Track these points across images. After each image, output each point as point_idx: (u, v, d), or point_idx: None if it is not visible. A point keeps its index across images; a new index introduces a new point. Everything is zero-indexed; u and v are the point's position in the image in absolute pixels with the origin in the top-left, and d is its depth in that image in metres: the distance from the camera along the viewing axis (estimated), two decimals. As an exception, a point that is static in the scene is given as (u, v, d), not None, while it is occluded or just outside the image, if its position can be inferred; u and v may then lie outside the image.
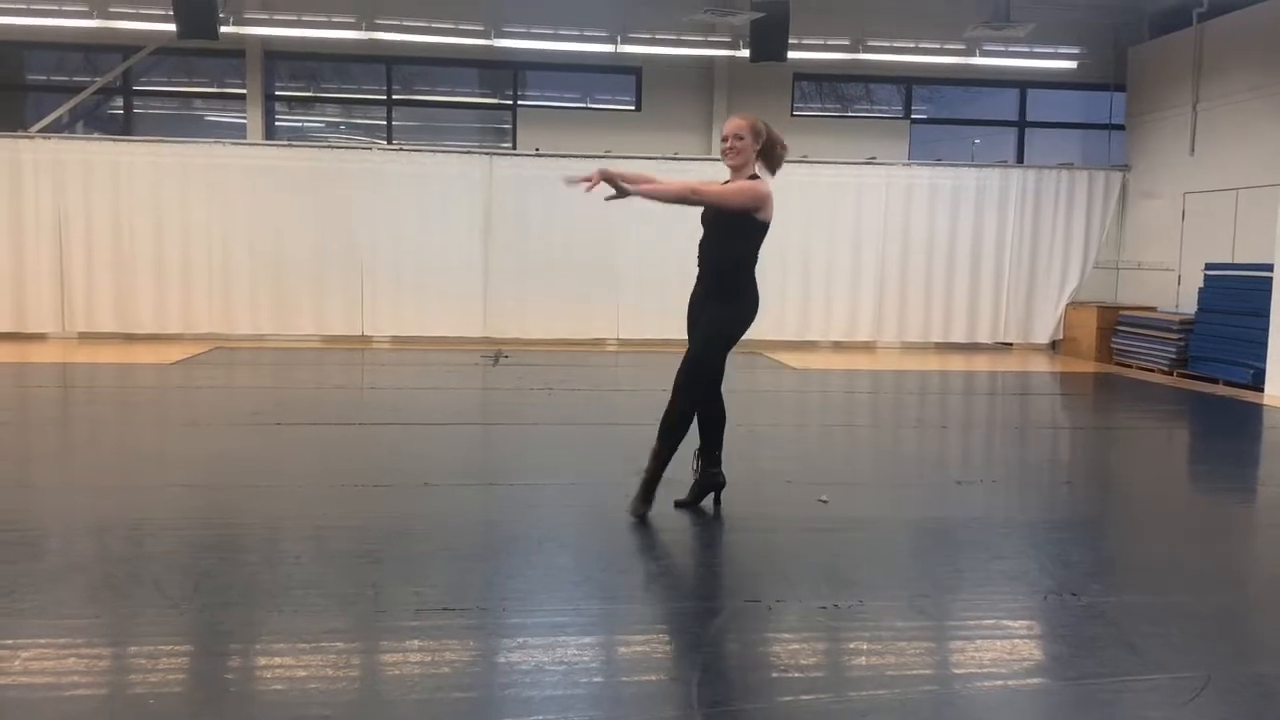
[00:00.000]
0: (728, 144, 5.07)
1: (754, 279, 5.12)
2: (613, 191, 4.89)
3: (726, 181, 5.15)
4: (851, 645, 3.60)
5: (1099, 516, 5.66)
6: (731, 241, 5.06)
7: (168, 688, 3.16)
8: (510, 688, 3.16)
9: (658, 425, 5.08)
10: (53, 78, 14.22)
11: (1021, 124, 14.98)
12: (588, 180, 4.87)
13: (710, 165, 13.69)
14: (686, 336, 5.25)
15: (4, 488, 5.61)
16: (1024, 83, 14.65)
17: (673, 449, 5.06)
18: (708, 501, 5.32)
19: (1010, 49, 13.26)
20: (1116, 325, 13.08)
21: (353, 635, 3.57)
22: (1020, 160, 14.72)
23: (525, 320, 13.37)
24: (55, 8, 12.04)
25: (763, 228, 5.04)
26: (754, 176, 5.07)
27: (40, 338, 12.80)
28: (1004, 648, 3.58)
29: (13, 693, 3.09)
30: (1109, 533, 5.30)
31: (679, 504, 5.22)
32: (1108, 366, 12.79)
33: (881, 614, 3.85)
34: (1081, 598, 4.05)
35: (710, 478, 5.27)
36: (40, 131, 12.94)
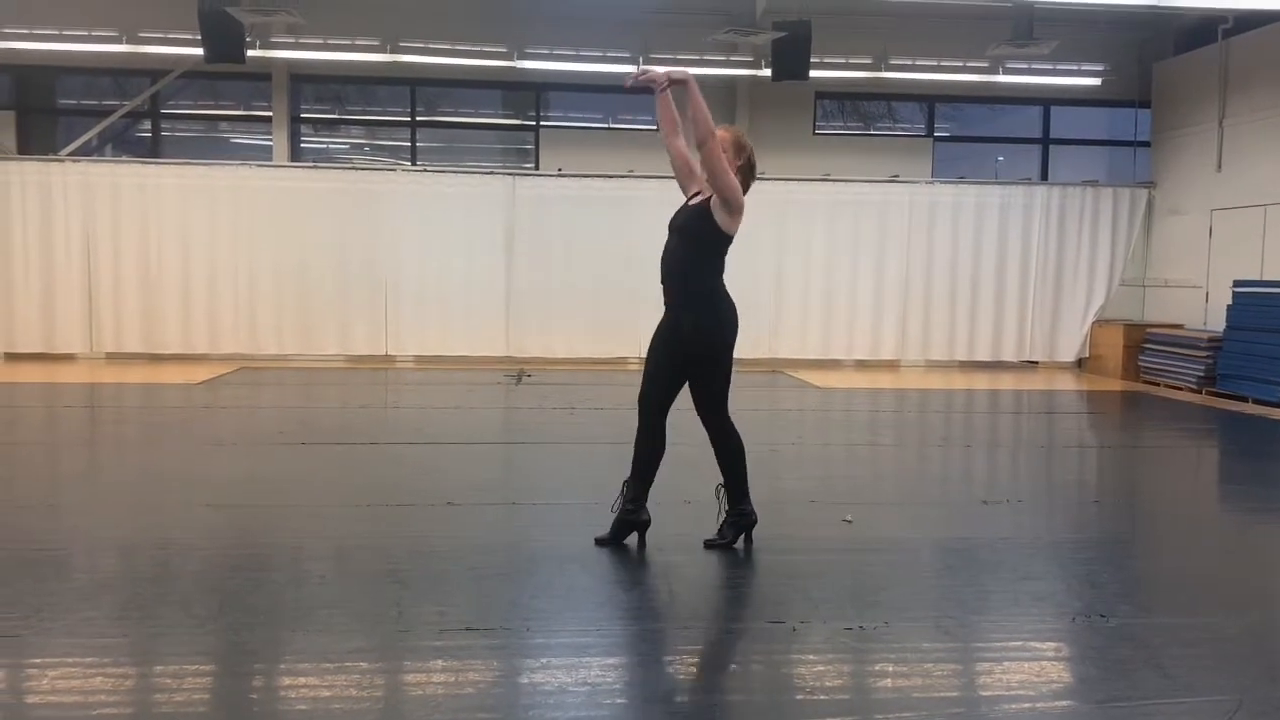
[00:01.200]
0: None
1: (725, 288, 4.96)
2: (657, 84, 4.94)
3: (696, 193, 5.02)
4: (877, 667, 3.57)
5: (1128, 536, 5.60)
6: (702, 253, 4.90)
7: (193, 707, 3.18)
8: (534, 709, 3.15)
9: (720, 465, 4.95)
10: (83, 102, 14.44)
11: (1045, 141, 14.93)
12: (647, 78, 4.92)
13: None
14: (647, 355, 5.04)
15: (33, 508, 5.66)
16: (1048, 100, 14.61)
17: (744, 471, 4.97)
18: (714, 524, 5.28)
19: (1034, 66, 13.24)
20: (1144, 343, 12.97)
21: (377, 655, 3.57)
22: (1044, 178, 14.65)
23: (548, 340, 13.40)
24: (86, 33, 12.25)
25: (728, 240, 4.91)
26: None
27: (69, 358, 12.94)
28: (1032, 670, 3.54)
29: (41, 711, 3.11)
30: (1138, 553, 5.24)
31: (598, 541, 4.91)
32: (1135, 385, 12.67)
33: (907, 635, 3.82)
34: (1110, 619, 4.00)
35: (630, 514, 4.92)
36: (70, 155, 13.14)
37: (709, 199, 4.84)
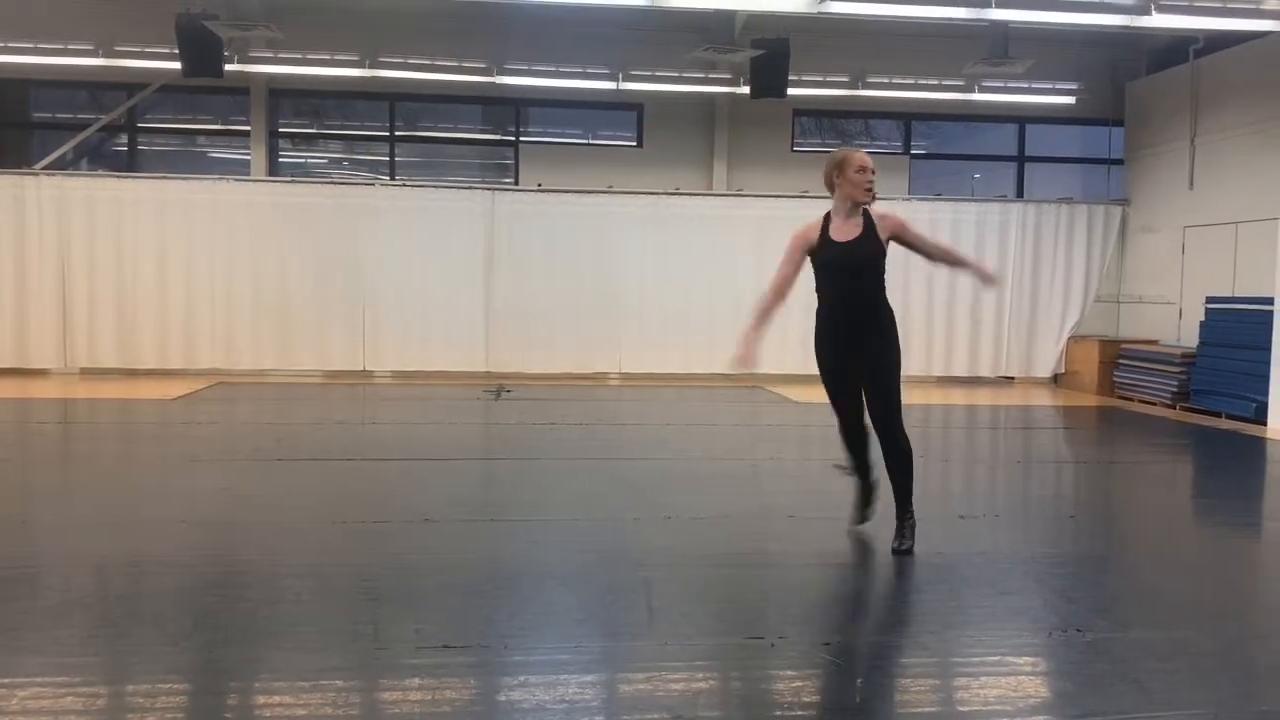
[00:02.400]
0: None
1: (821, 308, 5.55)
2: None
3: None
4: (855, 682, 3.57)
5: (1103, 551, 5.63)
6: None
7: (166, 727, 3.13)
8: (511, 726, 3.13)
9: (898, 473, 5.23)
10: (58, 115, 14.35)
11: (1021, 159, 15.08)
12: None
13: (709, 200, 13.78)
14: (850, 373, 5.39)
15: (6, 525, 5.58)
16: (1023, 118, 14.76)
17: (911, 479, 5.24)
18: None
19: (1009, 85, 13.37)
20: (1118, 359, 13.08)
21: (352, 673, 3.54)
22: (1020, 195, 14.79)
23: (527, 355, 13.37)
24: (61, 46, 12.17)
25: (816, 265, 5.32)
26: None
27: (42, 373, 12.81)
28: (1009, 684, 3.55)
29: (10, 732, 3.06)
30: (1114, 568, 5.27)
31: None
32: (1110, 400, 12.77)
33: (885, 650, 3.82)
34: (1087, 634, 4.02)
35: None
36: (45, 168, 13.03)
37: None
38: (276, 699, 3.32)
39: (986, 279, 5.65)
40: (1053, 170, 15.48)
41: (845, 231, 5.30)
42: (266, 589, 4.52)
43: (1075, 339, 14.07)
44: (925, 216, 13.89)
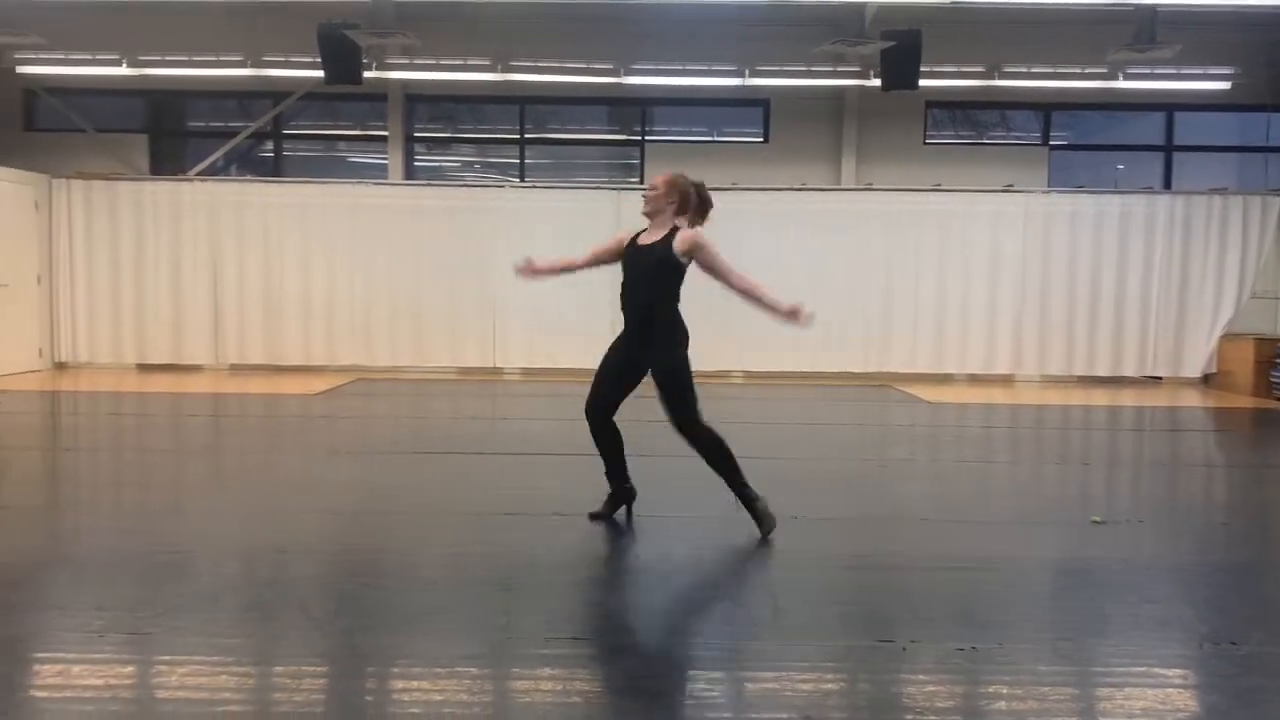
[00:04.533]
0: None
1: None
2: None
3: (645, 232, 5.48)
4: (990, 689, 3.47)
5: (1259, 560, 5.33)
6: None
7: (311, 707, 3.28)
8: (639, 719, 3.16)
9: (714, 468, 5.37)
10: (210, 124, 15.10)
11: (1169, 148, 14.38)
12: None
13: (836, 195, 13.60)
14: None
15: (162, 513, 5.93)
16: (1171, 105, 14.07)
17: (733, 466, 5.32)
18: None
19: (1156, 71, 12.74)
20: (1276, 358, 12.34)
21: (486, 661, 3.63)
22: (1168, 186, 14.11)
23: (653, 352, 13.40)
24: (214, 58, 12.82)
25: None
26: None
27: (196, 369, 13.52)
28: (1155, 696, 3.40)
29: (170, 706, 3.25)
30: (1270, 578, 4.98)
31: (594, 516, 5.56)
32: (1266, 402, 12.07)
33: (1022, 657, 3.71)
34: (1241, 646, 3.81)
35: (625, 493, 5.67)
36: (198, 174, 13.76)
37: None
38: (415, 684, 3.43)
39: (790, 317, 5.39)
40: (1204, 160, 14.69)
41: (645, 239, 5.46)
42: (403, 577, 4.67)
43: (1228, 337, 13.34)
44: (1066, 209, 13.41)
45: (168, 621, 3.94)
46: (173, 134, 14.89)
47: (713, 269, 5.33)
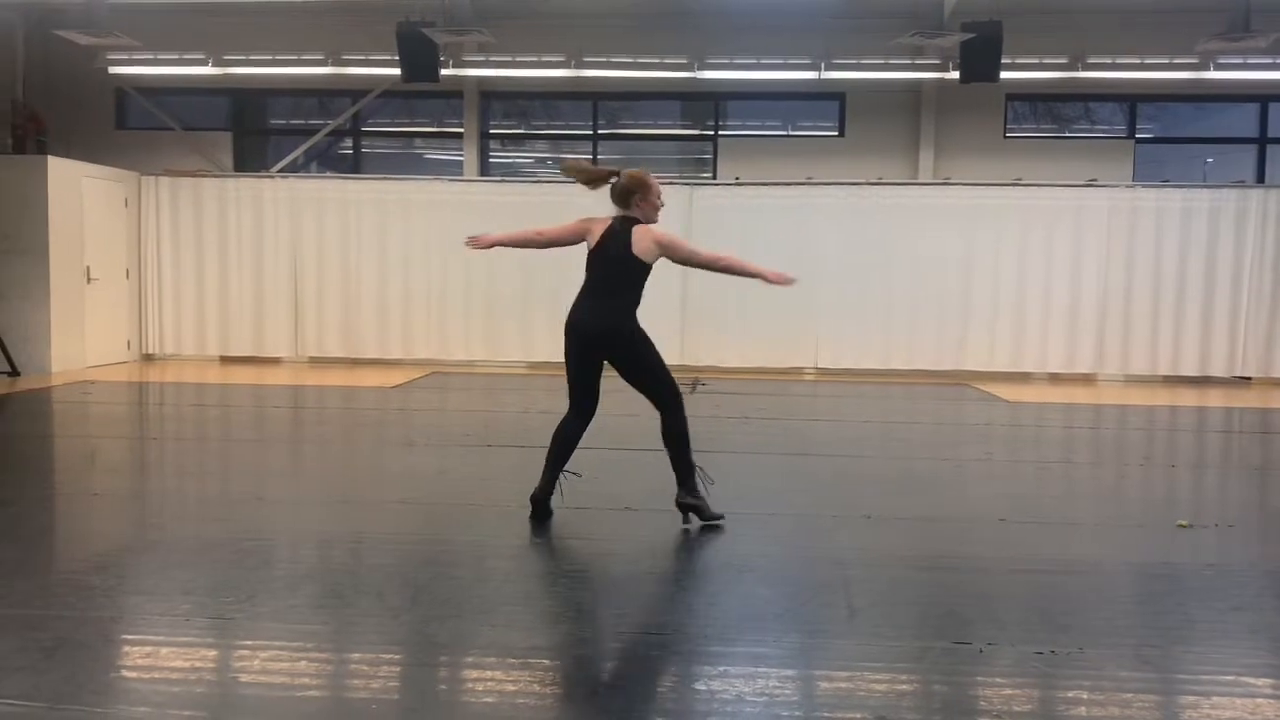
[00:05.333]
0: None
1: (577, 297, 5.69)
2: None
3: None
4: (1070, 694, 3.39)
5: (1356, 568, 5.12)
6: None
7: (387, 694, 3.33)
8: (711, 716, 3.15)
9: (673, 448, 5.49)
10: (291, 121, 15.43)
11: (1262, 140, 13.89)
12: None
13: (913, 189, 13.40)
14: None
15: (246, 500, 6.08)
16: (1265, 96, 13.58)
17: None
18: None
19: (1249, 61, 12.30)
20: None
21: (557, 653, 3.65)
22: (1260, 180, 13.63)
23: (723, 348, 13.40)
24: (295, 57, 13.09)
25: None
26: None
27: (276, 361, 13.84)
28: (1244, 706, 3.29)
29: (253, 690, 3.33)
30: (1369, 587, 4.78)
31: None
32: (1364, 403, 11.60)
33: (1103, 662, 3.61)
34: (1337, 657, 3.67)
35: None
36: (279, 171, 14.07)
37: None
38: (488, 674, 3.47)
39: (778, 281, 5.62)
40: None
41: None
42: (476, 567, 4.72)
43: (1323, 336, 12.84)
44: (1152, 204, 13.03)
45: (250, 607, 4.04)
46: (256, 132, 15.24)
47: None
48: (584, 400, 5.62)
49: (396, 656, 3.65)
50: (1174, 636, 3.92)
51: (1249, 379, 13.21)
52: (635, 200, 5.52)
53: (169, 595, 4.19)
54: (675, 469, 5.43)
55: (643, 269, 5.46)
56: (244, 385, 11.67)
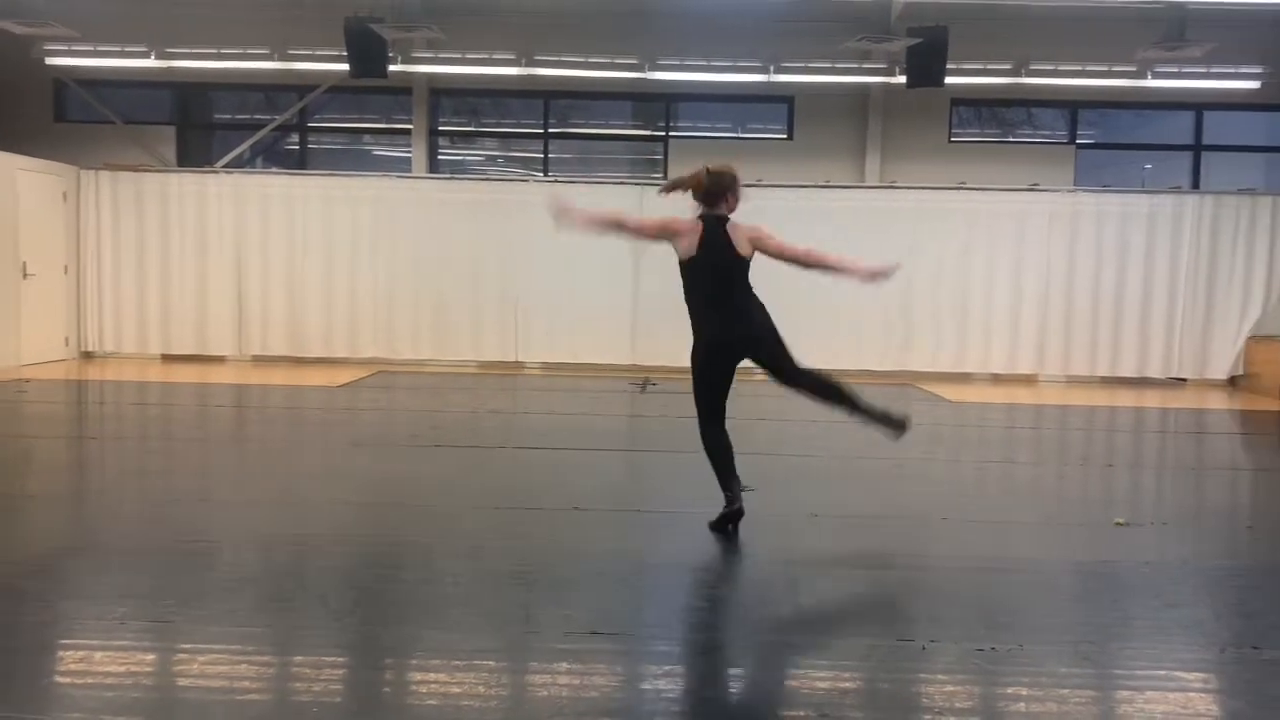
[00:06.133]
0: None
1: (692, 309, 5.47)
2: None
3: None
4: (1010, 690, 3.45)
5: (1285, 565, 5.27)
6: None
7: (329, 697, 3.30)
8: (657, 715, 3.16)
9: (843, 401, 5.43)
10: (236, 116, 15.20)
11: (1198, 148, 14.24)
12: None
13: (860, 193, 13.54)
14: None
15: (188, 501, 5.97)
16: (1201, 105, 13.93)
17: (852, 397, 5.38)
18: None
19: (1185, 70, 12.62)
20: (1304, 360, 12.21)
21: (504, 655, 3.64)
22: (1196, 186, 13.97)
23: (673, 348, 13.33)
24: (240, 51, 12.90)
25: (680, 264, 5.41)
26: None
27: (219, 360, 13.62)
28: (1177, 701, 3.37)
29: (192, 694, 3.27)
30: (1296, 583, 4.92)
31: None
32: (1294, 405, 11.94)
33: (1042, 659, 3.68)
34: (1264, 651, 3.77)
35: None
36: (224, 167, 13.85)
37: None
38: (433, 676, 3.45)
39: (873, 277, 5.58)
40: (1234, 160, 14.56)
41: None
42: (423, 569, 4.69)
43: (1256, 339, 13.19)
44: (1092, 209, 13.30)
45: (189, 610, 3.97)
46: (200, 126, 15.00)
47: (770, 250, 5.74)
48: (722, 407, 5.46)
49: (340, 659, 3.61)
50: (1111, 633, 4.00)
51: (1184, 380, 13.53)
52: (728, 196, 5.45)
53: (105, 599, 4.11)
54: (834, 400, 5.46)
55: (748, 265, 5.43)
56: (186, 384, 11.47)
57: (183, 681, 3.38)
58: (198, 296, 13.53)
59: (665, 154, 14.27)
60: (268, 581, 4.45)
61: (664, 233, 5.48)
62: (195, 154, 14.45)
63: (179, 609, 3.97)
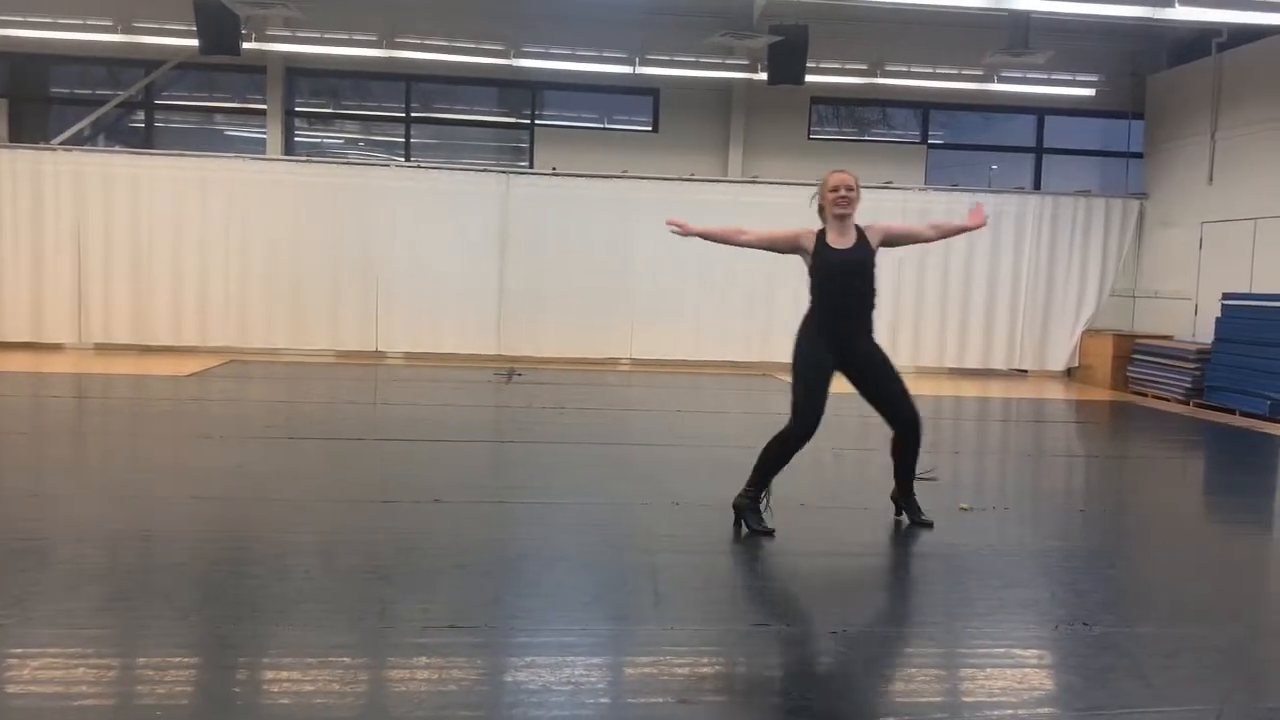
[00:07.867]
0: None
1: (814, 311, 5.61)
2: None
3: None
4: (860, 670, 3.57)
5: (1113, 546, 5.61)
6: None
7: (175, 700, 3.16)
8: (517, 707, 3.15)
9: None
10: (76, 91, 14.37)
11: (1039, 150, 14.98)
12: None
13: (724, 186, 13.75)
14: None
15: (18, 497, 5.63)
16: (1042, 109, 14.66)
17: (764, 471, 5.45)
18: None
19: (1028, 76, 13.29)
20: (1132, 354, 13.01)
21: (360, 651, 3.56)
22: (1037, 187, 14.70)
23: (539, 338, 13.39)
24: (80, 21, 12.20)
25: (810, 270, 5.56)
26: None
27: (57, 348, 12.88)
28: (1014, 676, 3.55)
29: (22, 701, 3.09)
30: (1123, 563, 5.25)
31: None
32: (1123, 395, 12.72)
33: (891, 640, 3.83)
34: (1094, 628, 4.01)
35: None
36: (62, 144, 13.08)
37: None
38: (284, 674, 3.35)
39: (977, 223, 5.87)
40: (1071, 163, 15.38)
41: (841, 241, 5.64)
42: (275, 565, 4.55)
43: (1090, 333, 14.00)
44: (942, 207, 13.84)
45: (21, 612, 3.75)
46: (35, 100, 14.11)
47: (905, 236, 6.09)
48: (818, 419, 5.41)
49: (186, 660, 3.46)
50: (955, 614, 4.19)
51: (1025, 371, 14.25)
52: (824, 206, 5.69)
53: (-74, 602, 3.84)
54: (900, 475, 5.54)
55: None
56: (19, 373, 10.80)
57: (12, 688, 3.19)
58: (32, 280, 12.76)
59: (531, 142, 14.17)
60: (109, 580, 4.24)
61: (795, 242, 5.71)
62: (30, 129, 13.58)
63: (9, 611, 3.75)
